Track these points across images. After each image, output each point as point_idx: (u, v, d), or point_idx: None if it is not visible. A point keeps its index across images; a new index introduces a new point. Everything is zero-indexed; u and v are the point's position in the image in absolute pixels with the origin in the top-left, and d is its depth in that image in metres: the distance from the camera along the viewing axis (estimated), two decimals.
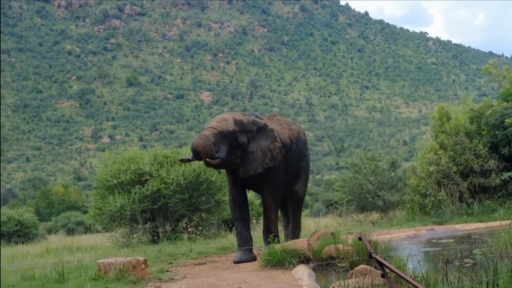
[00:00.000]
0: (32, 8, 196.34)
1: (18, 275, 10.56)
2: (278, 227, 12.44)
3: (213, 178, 18.32)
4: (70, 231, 35.85)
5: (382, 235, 12.58)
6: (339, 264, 9.81)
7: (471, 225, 15.61)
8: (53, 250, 17.70)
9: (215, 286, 8.42)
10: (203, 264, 11.47)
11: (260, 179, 11.63)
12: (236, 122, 11.17)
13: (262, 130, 11.59)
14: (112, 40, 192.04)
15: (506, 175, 18.34)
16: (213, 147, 10.54)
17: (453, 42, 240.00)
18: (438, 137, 20.04)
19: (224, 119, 11.16)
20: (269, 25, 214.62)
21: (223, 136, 10.82)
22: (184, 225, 19.56)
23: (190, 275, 9.85)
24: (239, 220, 11.65)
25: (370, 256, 6.31)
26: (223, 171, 12.60)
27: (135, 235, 18.41)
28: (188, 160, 11.41)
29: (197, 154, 10.68)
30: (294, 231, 13.12)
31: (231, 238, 16.35)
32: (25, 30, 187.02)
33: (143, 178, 17.97)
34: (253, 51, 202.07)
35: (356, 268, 7.63)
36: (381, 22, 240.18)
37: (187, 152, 19.59)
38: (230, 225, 21.74)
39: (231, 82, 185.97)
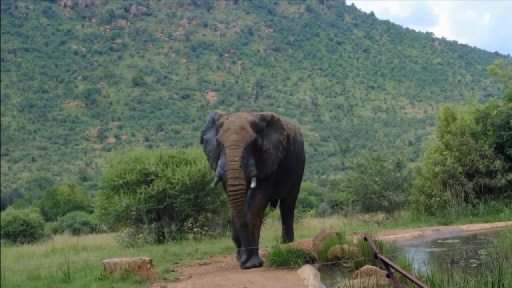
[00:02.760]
0: (38, 8, 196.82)
1: (24, 275, 10.57)
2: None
3: None
4: (76, 231, 35.94)
5: (387, 236, 12.57)
6: (344, 264, 9.81)
7: (477, 226, 15.60)
8: (58, 250, 17.73)
9: (220, 286, 8.43)
10: (208, 264, 11.46)
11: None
12: (252, 126, 10.49)
13: (271, 124, 11.01)
14: (118, 40, 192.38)
15: (511, 175, 18.33)
16: (245, 188, 10.14)
17: (459, 42, 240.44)
18: (443, 137, 20.04)
19: (242, 127, 10.33)
20: (275, 25, 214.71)
21: (248, 151, 10.23)
22: (190, 225, 19.56)
23: (195, 275, 9.86)
24: None
25: (376, 256, 6.32)
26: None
27: (140, 235, 18.44)
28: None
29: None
30: (291, 238, 12.60)
31: None
32: (31, 30, 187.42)
33: (149, 178, 17.98)
34: (259, 51, 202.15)
35: (362, 268, 7.64)
36: (387, 22, 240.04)
37: (192, 152, 19.64)
38: None
39: (236, 82, 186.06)
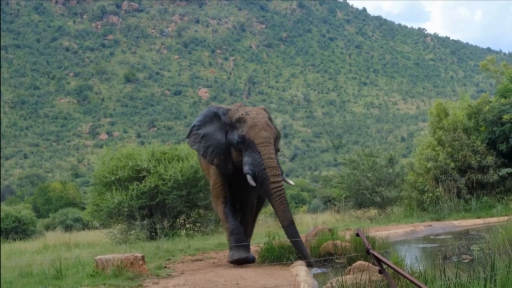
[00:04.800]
0: (30, 4, 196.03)
1: (16, 272, 10.53)
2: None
3: None
4: (68, 228, 35.83)
5: (380, 231, 12.58)
6: (337, 260, 9.81)
7: (469, 221, 15.64)
8: (51, 246, 17.70)
9: (212, 282, 8.42)
10: (201, 260, 11.46)
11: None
12: (271, 121, 10.52)
13: (269, 115, 10.89)
14: (110, 37, 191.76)
15: (504, 171, 18.38)
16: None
17: (451, 38, 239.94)
18: (436, 133, 20.08)
19: (268, 123, 10.25)
20: (267, 21, 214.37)
21: (274, 148, 10.23)
22: (182, 221, 19.58)
23: (188, 272, 9.84)
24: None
25: (368, 252, 6.32)
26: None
27: (133, 232, 18.43)
28: None
29: None
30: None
31: None
32: (23, 26, 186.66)
33: (141, 175, 17.98)
34: (251, 47, 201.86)
35: (354, 264, 7.63)
36: (379, 18, 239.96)
37: (184, 148, 19.60)
38: None
39: (229, 78, 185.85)
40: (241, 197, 10.86)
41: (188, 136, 11.00)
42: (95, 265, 9.51)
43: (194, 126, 10.86)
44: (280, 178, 9.91)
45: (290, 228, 9.96)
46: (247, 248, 10.42)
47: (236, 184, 10.58)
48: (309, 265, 9.74)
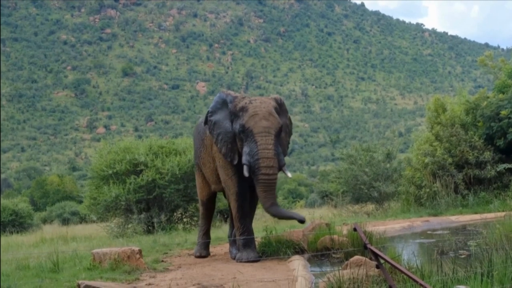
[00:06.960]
0: None
1: (13, 265, 10.52)
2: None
3: None
4: (65, 221, 35.84)
5: (377, 226, 12.56)
6: (334, 255, 9.81)
7: (466, 217, 15.63)
8: (48, 240, 17.68)
9: (209, 276, 8.41)
10: None
11: None
12: (277, 111, 10.17)
13: (280, 107, 10.57)
14: (108, 30, 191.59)
15: (501, 166, 18.36)
16: (277, 172, 9.72)
17: (449, 33, 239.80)
18: (433, 128, 20.07)
19: (270, 113, 9.89)
20: (265, 15, 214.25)
21: (277, 138, 9.84)
22: (179, 215, 19.56)
23: (185, 265, 9.84)
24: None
25: (365, 247, 6.30)
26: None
27: (130, 225, 18.42)
28: None
29: None
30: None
31: (226, 229, 16.34)
32: (20, 19, 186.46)
33: (138, 168, 17.96)
34: (249, 41, 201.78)
35: (351, 259, 7.62)
36: (377, 13, 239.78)
37: (182, 142, 19.60)
38: (225, 216, 21.77)
39: (226, 72, 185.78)
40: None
41: (206, 123, 10.76)
42: (92, 259, 9.50)
43: (208, 112, 10.63)
44: (271, 171, 9.58)
45: (272, 208, 9.67)
46: (254, 248, 10.22)
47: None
48: (301, 221, 9.62)
